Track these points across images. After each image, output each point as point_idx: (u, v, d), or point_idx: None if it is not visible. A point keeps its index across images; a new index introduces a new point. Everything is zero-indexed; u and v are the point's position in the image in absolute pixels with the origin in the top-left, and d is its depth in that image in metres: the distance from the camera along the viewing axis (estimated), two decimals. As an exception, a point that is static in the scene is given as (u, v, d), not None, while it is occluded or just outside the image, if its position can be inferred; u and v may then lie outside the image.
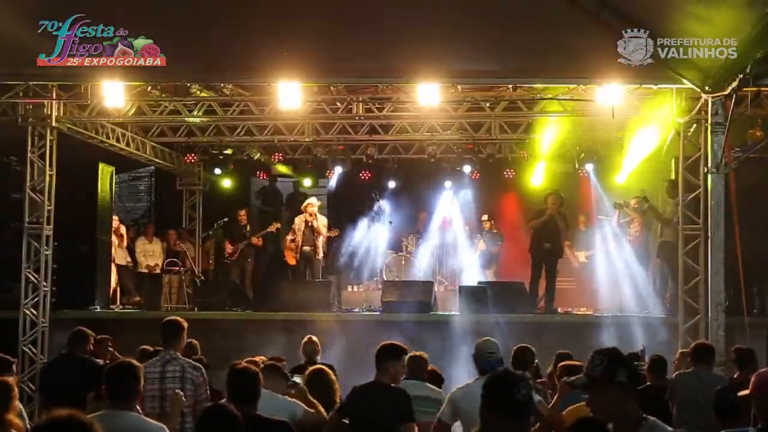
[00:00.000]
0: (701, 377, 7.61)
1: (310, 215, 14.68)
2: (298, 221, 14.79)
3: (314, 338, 8.93)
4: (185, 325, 6.73)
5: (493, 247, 15.51)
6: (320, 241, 14.71)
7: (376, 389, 6.07)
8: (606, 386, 3.68)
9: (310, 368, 6.97)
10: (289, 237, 15.34)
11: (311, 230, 14.66)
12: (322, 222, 14.81)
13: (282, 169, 17.91)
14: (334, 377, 6.82)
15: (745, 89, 10.26)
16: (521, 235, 14.46)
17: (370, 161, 16.35)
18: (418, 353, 7.15)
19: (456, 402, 5.99)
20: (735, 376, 8.58)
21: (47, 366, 8.04)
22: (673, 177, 13.23)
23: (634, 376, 3.76)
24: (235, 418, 4.14)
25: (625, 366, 3.72)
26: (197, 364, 6.65)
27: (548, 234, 13.91)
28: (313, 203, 14.89)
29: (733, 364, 8.76)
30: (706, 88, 9.49)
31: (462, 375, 10.31)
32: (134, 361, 4.96)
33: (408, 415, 5.94)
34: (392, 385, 6.13)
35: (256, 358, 6.98)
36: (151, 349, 8.27)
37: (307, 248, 14.62)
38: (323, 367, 7.02)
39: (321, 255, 14.77)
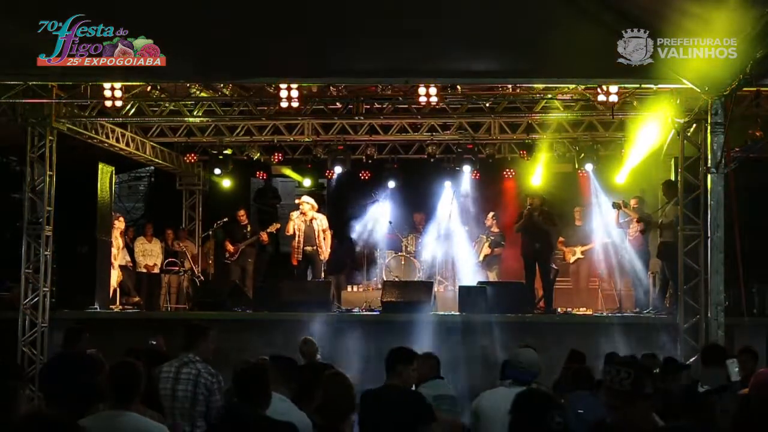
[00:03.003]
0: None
1: (303, 214, 14.58)
2: (297, 221, 14.64)
3: (310, 338, 8.90)
4: (208, 329, 6.67)
5: (497, 248, 15.49)
6: (323, 241, 14.61)
7: (391, 393, 5.95)
8: (636, 399, 3.57)
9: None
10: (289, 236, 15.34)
11: (312, 229, 14.57)
12: (324, 222, 14.70)
13: (282, 169, 17.91)
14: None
15: (745, 89, 10.26)
16: (520, 236, 14.43)
17: (370, 161, 16.34)
18: (431, 353, 7.13)
19: (479, 407, 5.84)
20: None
21: (45, 366, 8.03)
22: (672, 177, 13.23)
23: (656, 385, 3.67)
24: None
25: (650, 376, 3.63)
26: (214, 371, 6.59)
27: (536, 234, 13.91)
28: (304, 201, 14.78)
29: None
30: (706, 88, 9.48)
31: (462, 375, 10.33)
32: (136, 361, 4.95)
33: (430, 416, 5.84)
34: (407, 388, 6.07)
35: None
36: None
37: (309, 248, 14.53)
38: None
39: (325, 255, 14.66)
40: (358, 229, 16.45)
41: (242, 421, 4.73)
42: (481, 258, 15.39)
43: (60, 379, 7.47)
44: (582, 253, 15.07)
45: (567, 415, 3.39)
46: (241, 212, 15.86)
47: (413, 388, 6.36)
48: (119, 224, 15.25)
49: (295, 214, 14.64)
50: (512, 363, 5.91)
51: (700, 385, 5.52)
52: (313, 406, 5.40)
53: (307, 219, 14.50)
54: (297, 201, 15.06)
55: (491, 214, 15.81)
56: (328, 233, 14.71)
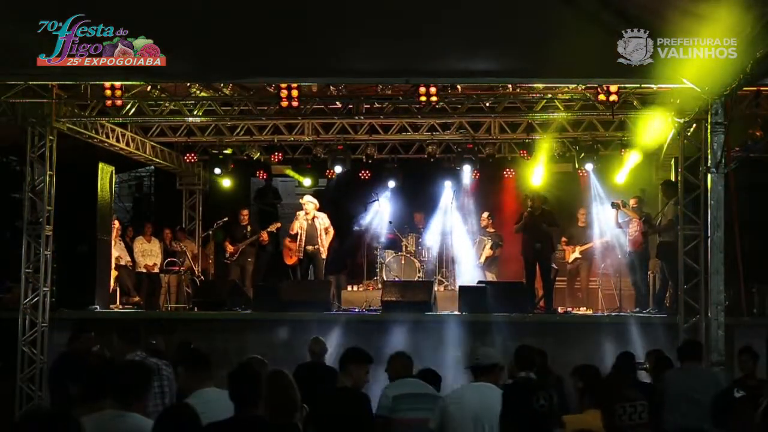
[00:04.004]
0: (692, 373, 7.61)
1: (306, 213, 14.59)
2: (300, 220, 14.66)
3: (321, 338, 8.97)
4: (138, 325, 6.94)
5: (497, 249, 15.50)
6: (325, 240, 14.62)
7: (339, 396, 6.02)
8: (653, 424, 3.78)
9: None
10: (288, 237, 15.33)
11: (314, 228, 14.57)
12: (325, 221, 14.70)
13: (282, 169, 17.91)
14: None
15: (745, 89, 10.25)
16: (520, 236, 14.43)
17: (370, 161, 16.34)
18: (402, 352, 7.12)
19: (446, 408, 5.85)
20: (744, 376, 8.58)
21: (52, 366, 8.08)
22: (673, 177, 13.23)
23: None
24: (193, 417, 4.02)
25: (651, 402, 3.79)
26: (166, 362, 6.78)
27: (537, 234, 13.91)
28: (307, 201, 14.78)
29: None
30: (706, 88, 9.48)
31: (461, 375, 10.33)
32: (143, 361, 4.96)
33: (370, 419, 5.86)
34: (354, 389, 6.08)
35: None
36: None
37: (310, 247, 14.51)
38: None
39: (325, 254, 14.67)
40: (358, 229, 16.44)
41: (242, 422, 4.73)
42: (482, 260, 15.39)
43: (66, 378, 7.50)
44: (580, 253, 15.04)
45: (551, 398, 3.48)
46: (243, 212, 15.87)
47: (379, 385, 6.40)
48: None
49: (301, 214, 14.66)
50: (470, 359, 6.06)
51: (736, 390, 5.56)
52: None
53: (309, 218, 14.53)
54: (301, 201, 15.05)
55: (486, 214, 15.84)
56: (330, 232, 14.72)
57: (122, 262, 15.22)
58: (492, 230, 15.65)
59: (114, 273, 14.90)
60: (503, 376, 6.26)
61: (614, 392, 4.30)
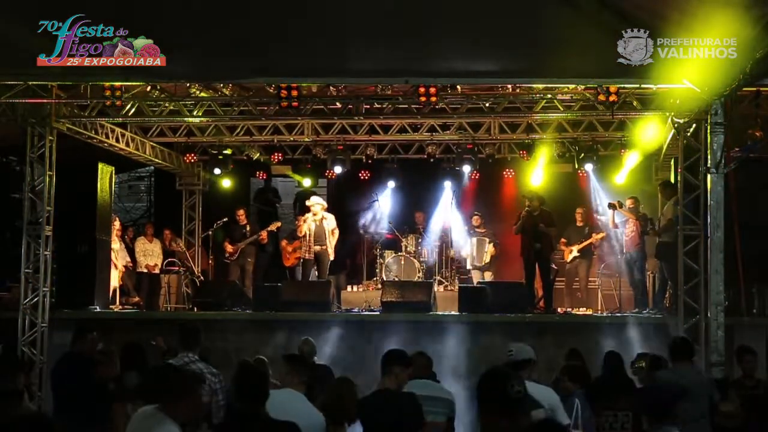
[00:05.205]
0: (683, 374, 7.56)
1: (315, 214, 14.55)
2: (308, 221, 14.59)
3: (311, 339, 8.92)
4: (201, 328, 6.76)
5: (497, 247, 15.50)
6: (332, 241, 14.60)
7: (388, 398, 6.00)
8: None
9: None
10: (285, 240, 15.29)
11: (322, 229, 14.51)
12: (333, 222, 14.65)
13: (282, 169, 17.92)
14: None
15: (745, 89, 10.26)
16: (519, 237, 14.43)
17: (370, 161, 16.34)
18: (422, 352, 7.12)
19: None
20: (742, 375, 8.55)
21: (55, 366, 8.04)
22: (672, 177, 13.23)
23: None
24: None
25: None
26: (216, 371, 6.61)
27: (535, 235, 13.91)
28: (315, 202, 14.75)
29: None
30: (706, 88, 9.48)
31: (461, 375, 10.34)
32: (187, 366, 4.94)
33: (419, 418, 5.87)
34: (401, 392, 6.05)
35: None
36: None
37: (318, 247, 14.46)
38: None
39: (332, 256, 14.65)
40: (358, 229, 16.44)
41: (245, 422, 4.73)
42: (488, 259, 15.36)
43: (70, 379, 7.49)
44: (579, 250, 14.96)
45: (524, 386, 3.50)
46: (240, 212, 15.85)
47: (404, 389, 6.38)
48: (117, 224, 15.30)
49: (309, 216, 14.57)
50: (505, 355, 6.04)
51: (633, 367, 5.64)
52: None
53: (317, 219, 14.49)
54: (307, 202, 14.91)
55: (477, 214, 15.83)
56: (336, 233, 14.66)
57: (123, 262, 15.19)
58: (483, 230, 15.65)
59: (117, 273, 14.92)
60: (537, 371, 6.26)
61: (602, 398, 4.32)
